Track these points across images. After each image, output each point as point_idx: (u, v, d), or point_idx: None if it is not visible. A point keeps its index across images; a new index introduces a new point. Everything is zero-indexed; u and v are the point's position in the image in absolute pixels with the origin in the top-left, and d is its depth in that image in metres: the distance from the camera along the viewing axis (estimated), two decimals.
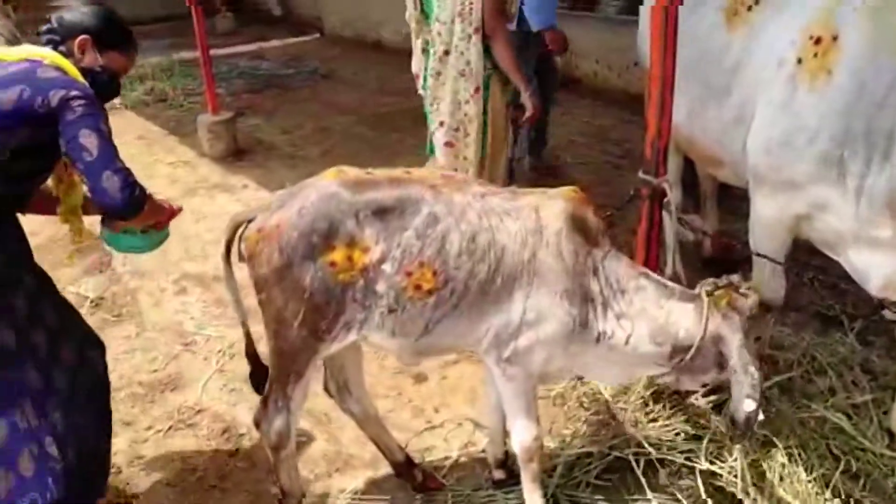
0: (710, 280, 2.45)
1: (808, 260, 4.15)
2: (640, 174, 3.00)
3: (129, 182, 2.32)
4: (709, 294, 2.39)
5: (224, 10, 13.76)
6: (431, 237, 2.32)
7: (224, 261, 2.53)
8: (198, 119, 6.98)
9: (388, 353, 2.49)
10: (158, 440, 3.35)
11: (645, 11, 3.84)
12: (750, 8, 3.00)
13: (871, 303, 2.82)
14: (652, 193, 2.98)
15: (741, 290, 2.39)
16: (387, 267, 2.32)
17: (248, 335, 2.64)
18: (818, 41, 2.61)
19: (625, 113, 7.36)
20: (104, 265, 4.90)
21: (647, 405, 3.17)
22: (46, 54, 2.38)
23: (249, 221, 2.46)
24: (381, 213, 2.33)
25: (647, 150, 2.96)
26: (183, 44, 10.59)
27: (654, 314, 2.41)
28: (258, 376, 2.67)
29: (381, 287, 2.33)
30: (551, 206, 2.42)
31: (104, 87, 2.50)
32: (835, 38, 2.56)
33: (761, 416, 2.27)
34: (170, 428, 3.42)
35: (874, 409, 3.06)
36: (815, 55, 2.60)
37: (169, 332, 4.17)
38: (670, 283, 2.49)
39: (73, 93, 2.26)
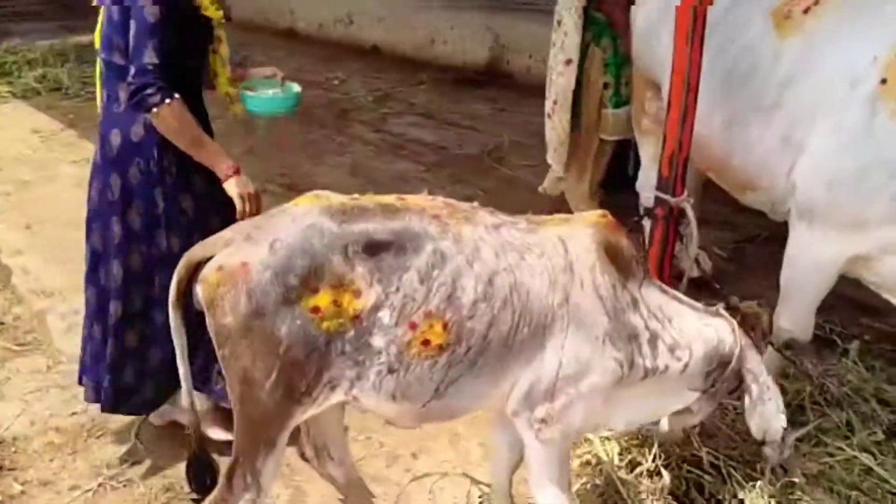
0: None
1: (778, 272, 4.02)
2: (656, 191, 2.64)
3: (148, 82, 2.44)
4: (728, 309, 2.22)
5: None
6: (439, 281, 1.90)
7: (174, 309, 2.03)
8: None
9: (383, 417, 2.06)
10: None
11: (638, 11, 3.42)
12: (807, 11, 2.62)
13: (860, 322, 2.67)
14: (668, 213, 2.62)
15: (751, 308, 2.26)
16: (384, 316, 1.89)
17: (193, 412, 2.19)
18: None
19: None
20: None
21: (651, 476, 2.76)
22: None
23: (207, 259, 1.95)
24: (375, 248, 1.91)
25: (663, 166, 2.60)
26: (79, 26, 9.68)
27: (707, 335, 2.15)
28: (200, 467, 2.19)
29: (377, 341, 1.90)
30: (580, 237, 2.03)
31: None
32: None
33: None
34: (99, 486, 2.85)
35: None
36: None
37: None
38: (691, 301, 2.24)
39: None
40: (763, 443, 2.25)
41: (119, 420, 3.17)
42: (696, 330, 2.14)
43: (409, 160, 6.14)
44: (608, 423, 2.23)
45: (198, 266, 1.99)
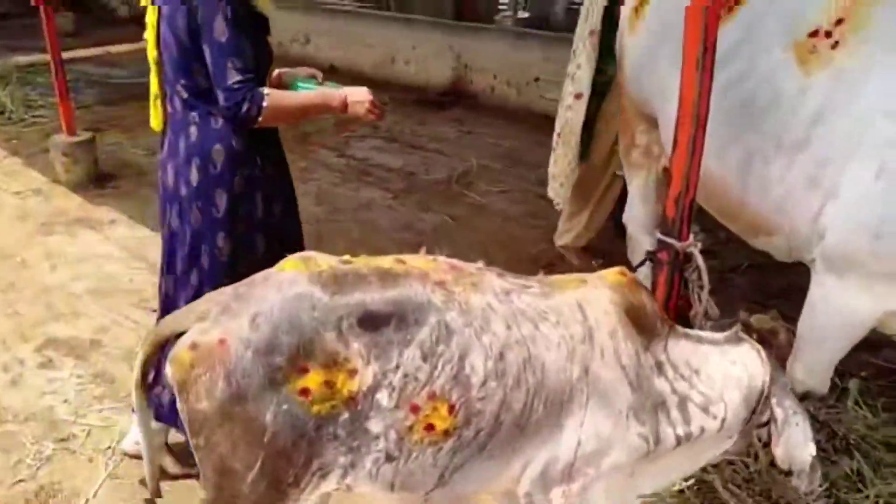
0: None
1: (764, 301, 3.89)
2: (659, 235, 2.46)
3: (237, 99, 2.50)
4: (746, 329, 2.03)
5: (62, 7, 12.27)
6: (444, 358, 1.68)
7: (137, 390, 1.78)
8: (51, 141, 5.88)
9: None
10: None
11: (628, 36, 3.24)
12: (835, 46, 2.43)
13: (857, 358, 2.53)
14: (674, 258, 2.43)
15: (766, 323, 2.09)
16: (382, 397, 1.67)
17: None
18: None
19: (534, 134, 6.90)
20: None
21: None
22: None
23: (179, 335, 1.71)
24: (373, 322, 1.69)
25: (668, 207, 2.41)
26: (18, 46, 9.25)
27: (738, 376, 1.95)
28: None
29: (374, 425, 1.68)
30: (599, 300, 1.83)
31: None
32: None
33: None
34: None
35: None
36: None
37: (35, 423, 3.24)
38: (706, 332, 2.06)
39: None
40: (789, 473, 2.04)
41: (69, 487, 2.88)
42: (725, 374, 1.95)
43: (375, 187, 5.90)
44: (634, 495, 2.03)
45: (167, 342, 1.75)
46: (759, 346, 1.97)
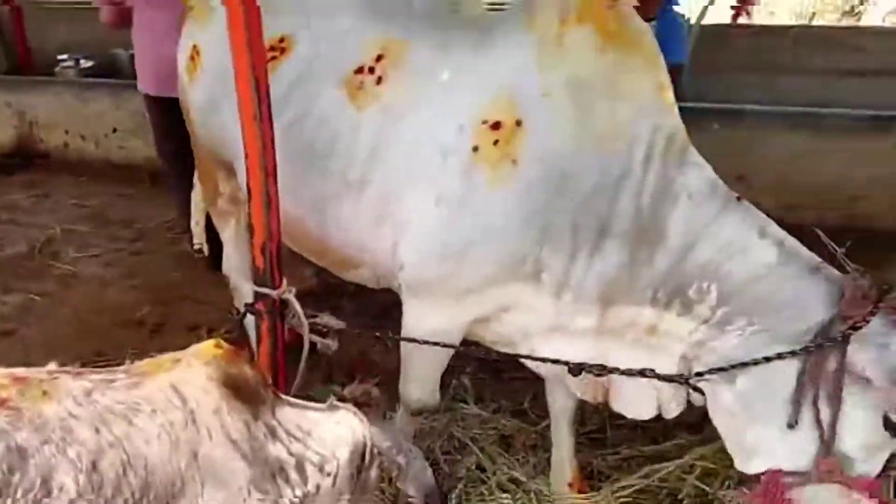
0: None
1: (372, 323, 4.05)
2: (254, 287, 2.42)
3: None
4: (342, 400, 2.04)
5: None
6: (24, 486, 1.45)
7: None
8: None
9: None
10: None
11: (193, 81, 3.13)
12: (380, 81, 2.51)
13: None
14: (272, 307, 2.42)
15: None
16: None
17: None
18: (497, 126, 2.27)
19: (119, 187, 6.51)
20: None
21: None
22: None
23: None
24: None
25: (256, 258, 2.38)
26: None
27: (344, 435, 1.93)
28: None
29: None
30: (195, 379, 1.71)
31: None
32: (518, 124, 2.25)
33: None
34: None
35: None
36: (496, 142, 2.26)
37: None
38: (315, 404, 2.02)
39: None
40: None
41: None
42: (334, 434, 1.96)
43: None
44: None
45: None
46: (355, 409, 2.02)
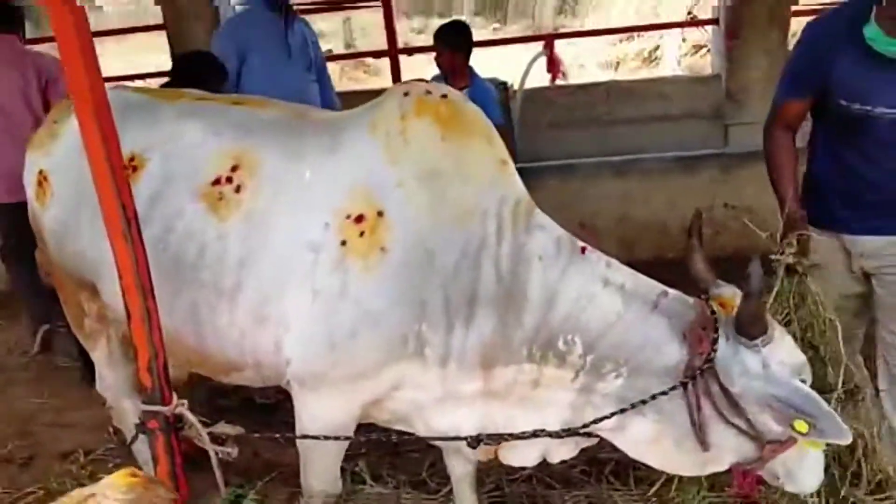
0: None
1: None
2: (144, 406, 2.43)
3: None
4: None
5: None
6: None
7: None
8: None
9: None
10: None
11: (42, 207, 3.10)
12: (239, 190, 2.60)
13: None
14: (165, 425, 2.43)
15: None
16: None
17: None
18: (360, 219, 2.44)
19: None
20: None
21: None
22: None
23: None
24: None
25: (143, 377, 2.40)
26: None
27: None
28: None
29: None
30: None
31: None
32: (380, 214, 2.43)
33: None
34: None
35: None
36: (362, 234, 2.43)
37: None
38: None
39: None
40: None
41: None
42: None
43: None
44: None
45: None
46: None
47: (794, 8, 6.15)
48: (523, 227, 2.48)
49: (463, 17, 11.53)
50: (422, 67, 6.86)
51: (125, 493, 1.74)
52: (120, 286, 2.36)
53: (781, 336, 2.28)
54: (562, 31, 14.12)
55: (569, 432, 2.43)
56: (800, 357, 2.28)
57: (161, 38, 6.91)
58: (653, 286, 2.45)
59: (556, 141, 6.30)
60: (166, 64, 5.93)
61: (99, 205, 2.31)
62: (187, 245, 2.66)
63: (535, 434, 2.41)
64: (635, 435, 2.42)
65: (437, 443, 2.71)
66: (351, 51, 14.07)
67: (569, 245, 2.49)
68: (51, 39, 5.34)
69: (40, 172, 3.04)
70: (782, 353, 2.23)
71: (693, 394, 2.27)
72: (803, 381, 2.22)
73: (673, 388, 2.27)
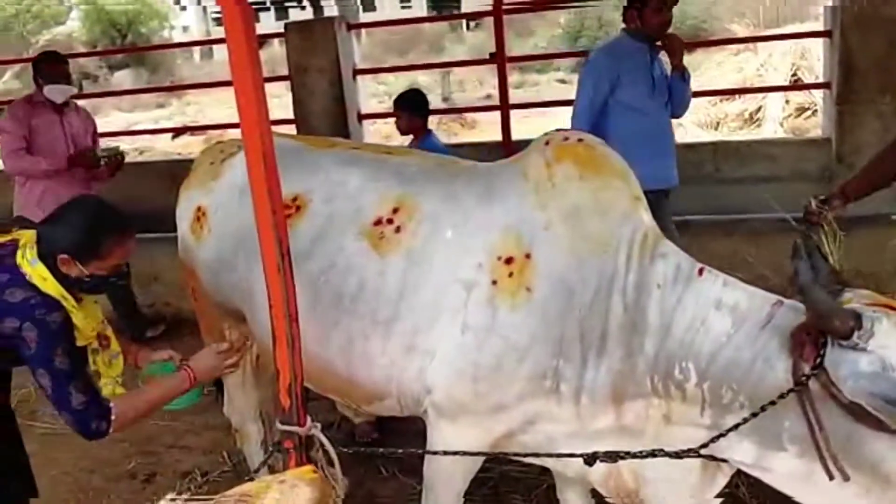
0: None
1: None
2: (280, 426, 2.62)
3: (85, 419, 2.54)
4: None
5: None
6: None
7: None
8: None
9: None
10: None
11: (198, 242, 3.42)
12: (399, 230, 2.87)
13: None
14: (299, 444, 2.62)
15: None
16: None
17: None
18: (510, 261, 2.65)
19: None
20: None
21: None
22: (33, 269, 2.55)
23: None
24: None
25: (283, 397, 2.60)
26: None
27: None
28: None
29: None
30: (298, 498, 1.95)
31: (97, 286, 2.71)
32: (528, 256, 2.64)
33: None
34: None
35: None
36: (511, 275, 2.63)
37: None
38: None
39: (27, 324, 2.46)
40: None
41: None
42: None
43: None
44: None
45: None
46: None
47: None
48: (648, 257, 2.62)
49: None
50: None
51: (309, 483, 1.99)
52: (269, 314, 2.59)
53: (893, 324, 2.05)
54: None
55: (687, 453, 2.39)
56: None
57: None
58: (767, 299, 2.41)
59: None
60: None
61: (257, 240, 2.56)
62: (348, 279, 2.91)
63: (653, 454, 2.40)
64: (787, 475, 2.29)
65: (554, 469, 2.80)
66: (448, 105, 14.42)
67: (687, 269, 2.59)
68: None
69: (198, 208, 3.38)
70: None
71: (807, 402, 2.14)
72: None
73: (782, 397, 2.16)
